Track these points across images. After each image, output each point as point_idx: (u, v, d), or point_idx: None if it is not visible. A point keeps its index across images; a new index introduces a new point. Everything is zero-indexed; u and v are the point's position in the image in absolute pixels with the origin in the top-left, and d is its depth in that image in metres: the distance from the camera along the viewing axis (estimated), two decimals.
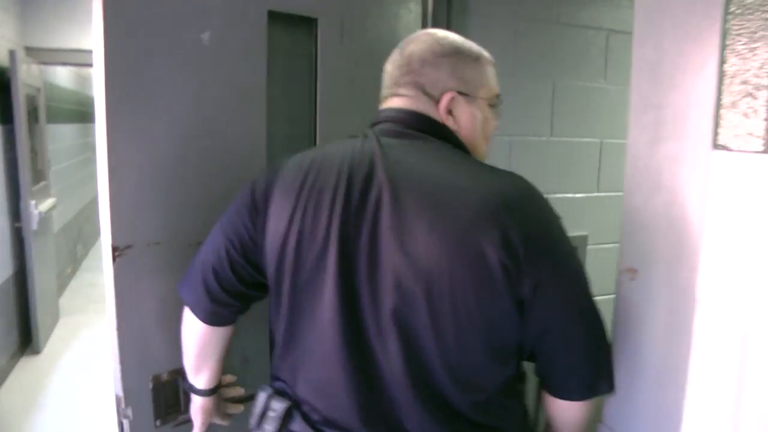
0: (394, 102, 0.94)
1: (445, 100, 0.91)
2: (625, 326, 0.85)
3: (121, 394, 1.17)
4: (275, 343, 0.95)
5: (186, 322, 1.05)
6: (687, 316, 0.72)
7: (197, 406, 1.12)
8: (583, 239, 2.14)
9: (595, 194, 2.14)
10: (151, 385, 1.20)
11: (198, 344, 1.05)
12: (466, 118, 0.92)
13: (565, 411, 0.90)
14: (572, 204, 2.07)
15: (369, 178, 0.84)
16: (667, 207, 0.78)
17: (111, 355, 1.18)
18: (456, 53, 0.92)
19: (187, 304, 1.03)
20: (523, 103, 1.92)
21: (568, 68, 2.00)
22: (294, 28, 1.38)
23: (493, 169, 0.85)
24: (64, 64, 4.42)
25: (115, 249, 1.13)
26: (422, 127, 0.90)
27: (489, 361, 0.82)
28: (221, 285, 0.97)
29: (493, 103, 0.96)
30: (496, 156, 1.92)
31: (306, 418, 0.88)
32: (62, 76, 5.15)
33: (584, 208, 2.11)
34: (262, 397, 0.94)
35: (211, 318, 1.01)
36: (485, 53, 0.96)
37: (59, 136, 4.97)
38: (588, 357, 0.84)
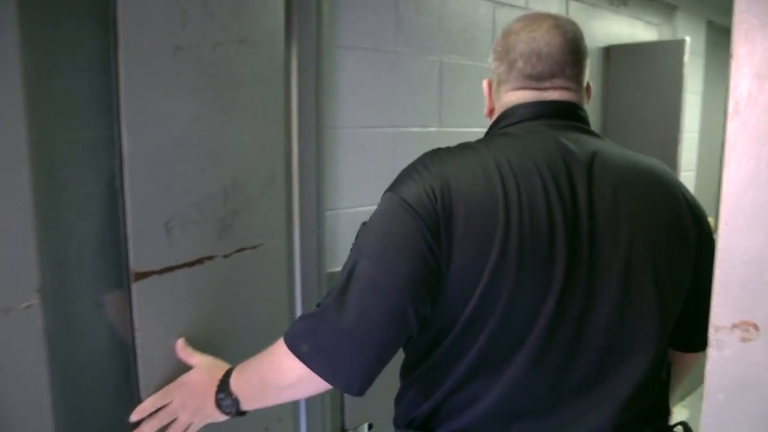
0: (562, 95, 0.95)
1: (590, 92, 1.01)
2: (735, 414, 0.54)
3: None
4: (435, 385, 0.89)
5: (301, 384, 0.87)
6: None
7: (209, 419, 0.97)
8: None
9: None
10: None
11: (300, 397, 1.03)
12: None
13: (693, 361, 1.06)
14: None
15: (572, 182, 0.87)
16: None
17: None
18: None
19: (338, 386, 0.85)
20: (408, 86, 1.62)
21: (456, 45, 1.74)
22: None
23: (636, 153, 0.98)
24: None
25: None
26: (585, 120, 0.97)
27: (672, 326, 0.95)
28: (394, 351, 0.86)
29: None
30: (378, 151, 1.58)
31: None
32: None
33: None
34: None
35: (365, 388, 0.85)
36: None
37: None
38: None
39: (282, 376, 0.87)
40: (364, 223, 0.89)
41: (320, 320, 0.84)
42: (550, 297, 0.83)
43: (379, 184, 1.62)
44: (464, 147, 0.91)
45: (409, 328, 0.83)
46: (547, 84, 0.94)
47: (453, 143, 1.79)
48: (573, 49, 0.94)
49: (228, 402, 0.92)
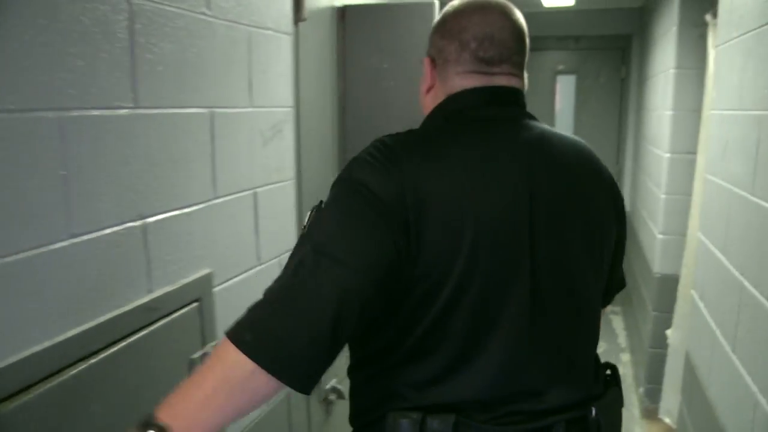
0: (510, 81, 1.06)
1: (526, 79, 1.11)
2: None
3: None
4: (419, 374, 0.97)
5: (248, 392, 0.86)
6: None
7: None
8: (206, 280, 1.48)
9: (213, 201, 1.49)
10: None
11: (243, 413, 0.89)
12: None
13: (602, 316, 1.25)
14: (180, 226, 1.37)
15: (532, 168, 0.98)
16: None
17: None
18: None
19: (280, 376, 0.84)
20: (83, 40, 1.04)
21: None
22: None
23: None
24: None
25: None
26: (526, 106, 1.09)
27: None
28: (344, 338, 0.88)
29: None
30: (35, 153, 0.97)
31: (473, 419, 0.96)
32: None
33: (201, 228, 1.44)
34: (406, 425, 0.94)
35: (312, 384, 0.88)
36: None
37: None
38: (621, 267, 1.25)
39: (230, 381, 0.84)
40: (316, 210, 0.93)
41: (274, 306, 0.88)
42: (518, 292, 0.96)
43: (47, 207, 1.02)
44: (425, 137, 1.00)
45: (354, 309, 0.86)
46: (496, 69, 1.04)
47: (157, 129, 1.29)
48: (521, 37, 1.05)
49: None
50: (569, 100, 5.36)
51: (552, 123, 5.41)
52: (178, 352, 1.38)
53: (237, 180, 1.56)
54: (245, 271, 1.63)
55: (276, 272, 1.79)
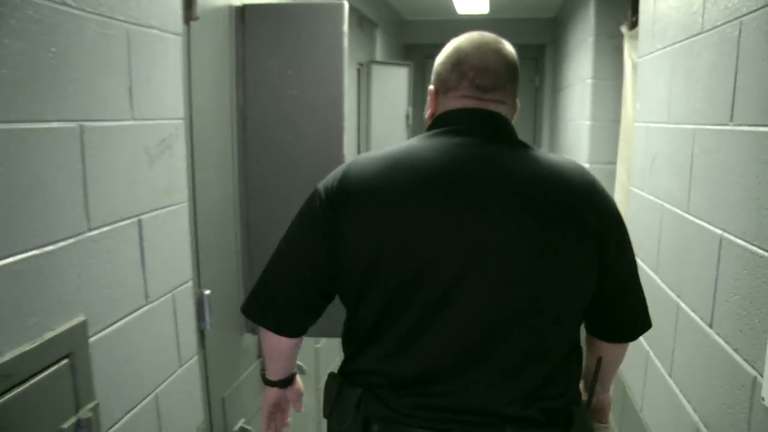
0: (498, 107, 1.23)
1: (518, 108, 1.29)
2: None
3: None
4: (350, 345, 1.25)
5: (272, 344, 1.36)
6: None
7: (275, 396, 1.46)
8: (80, 330, 1.24)
9: (86, 234, 1.25)
10: None
11: (287, 355, 1.40)
12: None
13: (620, 350, 1.34)
14: (41, 268, 1.12)
15: (481, 183, 1.13)
16: None
17: None
18: None
19: (277, 331, 1.31)
20: None
21: None
22: None
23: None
24: None
25: None
26: (510, 131, 1.23)
27: None
28: (320, 299, 1.28)
29: None
30: None
31: (378, 394, 1.18)
32: None
33: (70, 268, 1.20)
34: (332, 385, 1.26)
35: (301, 331, 1.33)
36: None
37: None
38: (643, 300, 1.28)
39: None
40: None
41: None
42: (438, 279, 1.11)
43: None
44: (385, 155, 1.20)
45: (315, 278, 1.24)
46: (488, 96, 1.21)
47: (4, 149, 1.05)
48: (513, 68, 1.23)
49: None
50: None
51: None
52: (43, 424, 1.14)
53: (116, 207, 1.33)
54: (130, 314, 1.40)
55: (170, 309, 1.64)
